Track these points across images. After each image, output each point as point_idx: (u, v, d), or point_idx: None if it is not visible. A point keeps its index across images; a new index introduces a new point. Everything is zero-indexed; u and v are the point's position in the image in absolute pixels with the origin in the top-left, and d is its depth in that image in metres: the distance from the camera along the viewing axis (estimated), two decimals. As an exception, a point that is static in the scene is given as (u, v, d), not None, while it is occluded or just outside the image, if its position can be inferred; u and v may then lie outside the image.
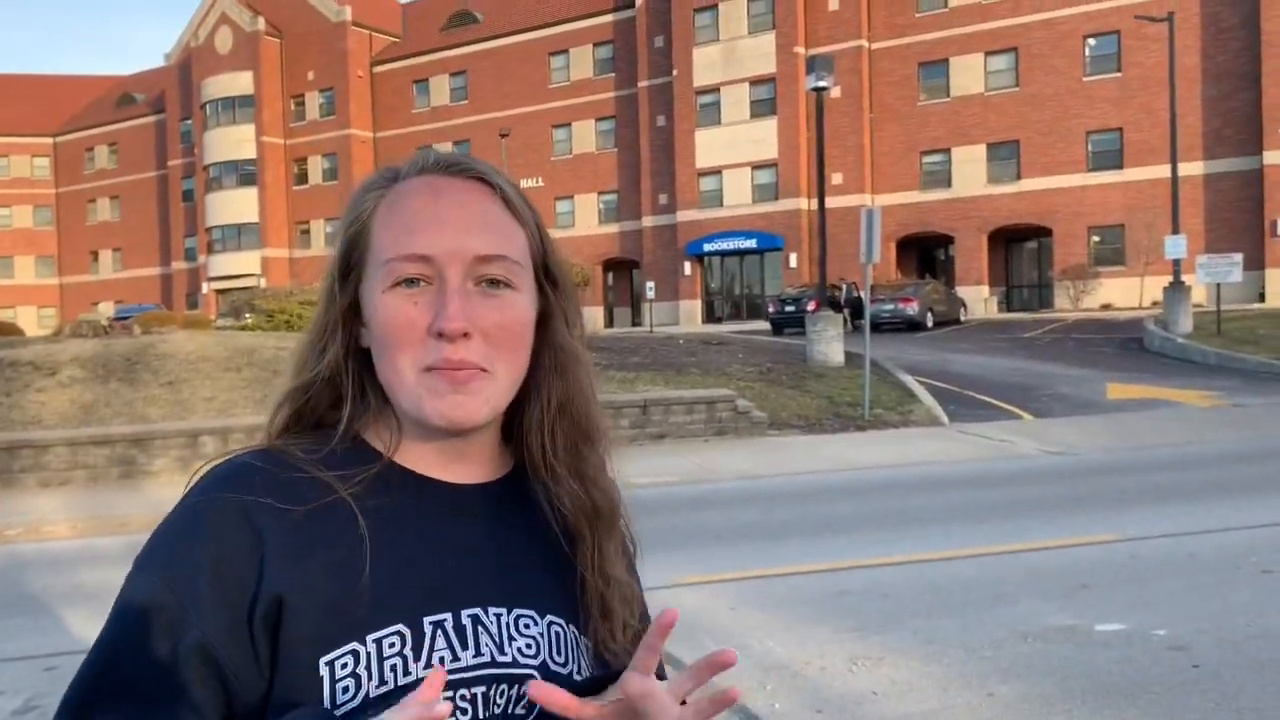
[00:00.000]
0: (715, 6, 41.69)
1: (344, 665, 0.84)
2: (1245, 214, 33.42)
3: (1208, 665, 4.39)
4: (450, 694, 0.85)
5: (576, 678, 0.92)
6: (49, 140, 65.14)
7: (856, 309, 28.14)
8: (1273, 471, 9.24)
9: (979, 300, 37.09)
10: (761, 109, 41.23)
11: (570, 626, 0.95)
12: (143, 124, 62.01)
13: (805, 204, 39.72)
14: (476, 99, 49.96)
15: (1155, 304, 29.47)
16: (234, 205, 54.78)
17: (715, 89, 42.04)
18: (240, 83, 54.52)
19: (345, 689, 0.83)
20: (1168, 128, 24.76)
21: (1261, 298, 31.84)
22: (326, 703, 0.83)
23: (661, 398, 12.73)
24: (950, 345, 23.73)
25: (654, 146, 44.24)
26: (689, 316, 42.17)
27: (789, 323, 28.01)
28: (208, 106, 55.50)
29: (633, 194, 45.51)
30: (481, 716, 0.86)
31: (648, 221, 44.59)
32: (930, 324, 29.11)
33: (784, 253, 40.57)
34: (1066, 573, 5.96)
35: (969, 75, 38.37)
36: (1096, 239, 36.22)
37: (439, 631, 0.87)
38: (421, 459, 0.95)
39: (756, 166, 41.36)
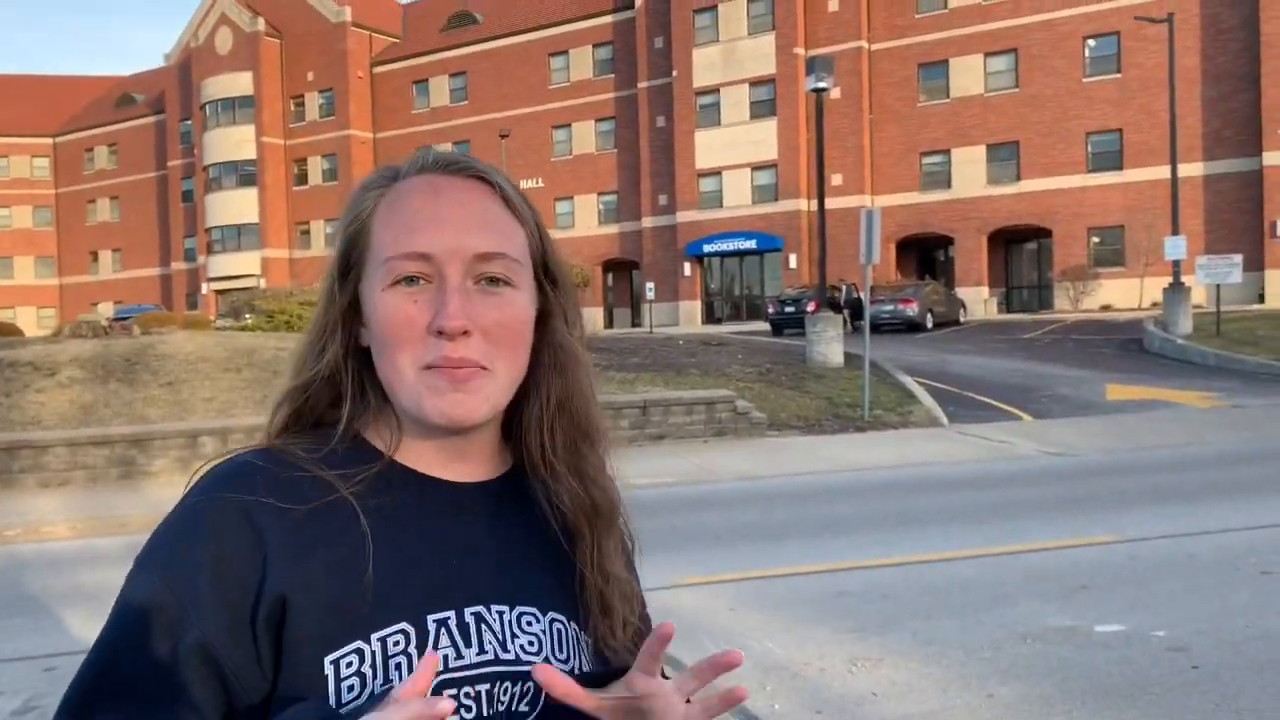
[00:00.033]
0: (715, 7, 41.71)
1: (349, 664, 0.84)
2: (1245, 215, 33.43)
3: (1207, 666, 4.39)
4: (454, 692, 0.85)
5: (579, 673, 0.92)
6: (49, 141, 65.15)
7: (856, 310, 28.14)
8: (1272, 473, 9.24)
9: (979, 301, 37.10)
10: (761, 110, 41.23)
11: (571, 623, 0.96)
12: (142, 124, 62.02)
13: (805, 205, 39.73)
14: (476, 100, 49.98)
15: (1155, 305, 29.48)
16: (234, 206, 54.78)
17: (715, 90, 42.05)
18: (240, 83, 54.53)
19: (351, 687, 0.84)
20: (1167, 129, 24.78)
21: (1261, 299, 31.85)
22: (332, 701, 0.83)
23: (661, 398, 12.73)
24: (950, 346, 23.74)
25: (654, 147, 44.25)
26: (689, 317, 42.17)
27: (789, 323, 28.01)
28: (207, 107, 55.50)
29: (632, 195, 45.52)
30: (486, 714, 0.87)
31: (647, 222, 44.60)
32: (930, 325, 29.11)
33: (784, 254, 40.58)
34: (1066, 574, 5.96)
35: (969, 76, 38.38)
36: (1096, 240, 36.23)
37: (443, 630, 0.87)
38: (422, 458, 0.95)
39: (756, 167, 41.37)
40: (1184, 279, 22.83)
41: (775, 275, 40.63)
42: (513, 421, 1.00)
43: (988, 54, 38.00)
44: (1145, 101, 34.75)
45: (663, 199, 44.10)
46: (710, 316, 42.69)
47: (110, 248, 63.32)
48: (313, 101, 54.39)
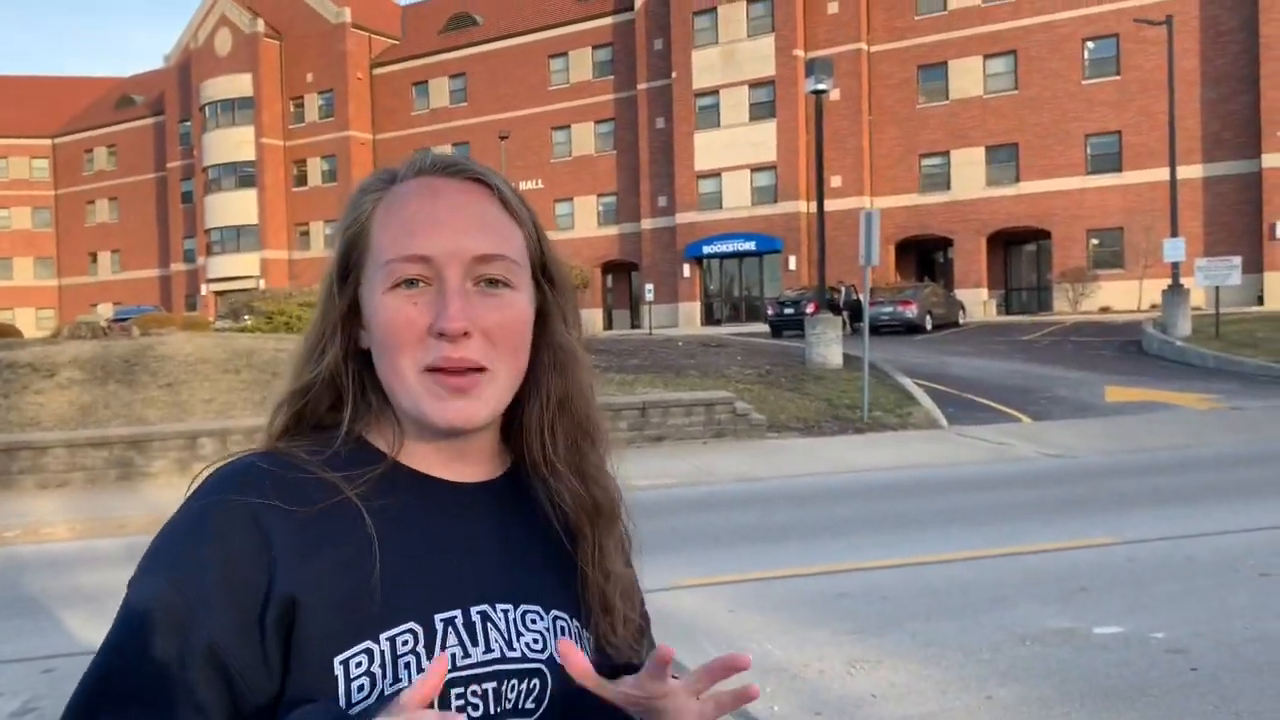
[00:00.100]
0: (714, 9, 41.73)
1: (358, 664, 0.84)
2: (1244, 217, 33.45)
3: (1206, 668, 4.39)
4: (462, 690, 0.86)
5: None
6: (48, 142, 65.14)
7: (855, 311, 28.15)
8: (1271, 475, 9.24)
9: (978, 303, 37.10)
10: (761, 111, 41.25)
11: (574, 621, 0.97)
12: (142, 125, 62.02)
13: (804, 206, 39.75)
14: (476, 101, 49.99)
15: (1154, 307, 29.50)
16: (233, 207, 54.78)
17: (714, 91, 42.07)
18: (239, 84, 54.53)
19: (360, 688, 0.84)
20: (1166, 131, 24.80)
21: (1260, 300, 31.86)
22: (342, 702, 0.83)
23: (660, 400, 12.73)
24: (949, 348, 23.74)
25: (653, 149, 44.26)
26: (688, 319, 42.18)
27: (788, 325, 28.01)
28: (207, 108, 55.51)
29: (632, 196, 45.53)
30: (493, 712, 0.88)
31: (647, 224, 44.61)
32: (929, 326, 29.12)
33: (783, 255, 40.60)
34: (1065, 575, 5.97)
35: (968, 78, 38.41)
36: (1095, 242, 36.25)
37: (450, 629, 0.88)
38: (424, 459, 0.96)
39: (755, 169, 41.38)
40: (1183, 281, 22.84)
41: (774, 277, 40.64)
42: (512, 421, 1.01)
43: (987, 56, 38.03)
44: (1144, 103, 34.78)
45: (662, 200, 44.11)
46: (709, 318, 42.70)
47: (109, 249, 63.31)
48: (312, 103, 54.39)
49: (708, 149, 42.17)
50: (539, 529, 0.99)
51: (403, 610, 0.87)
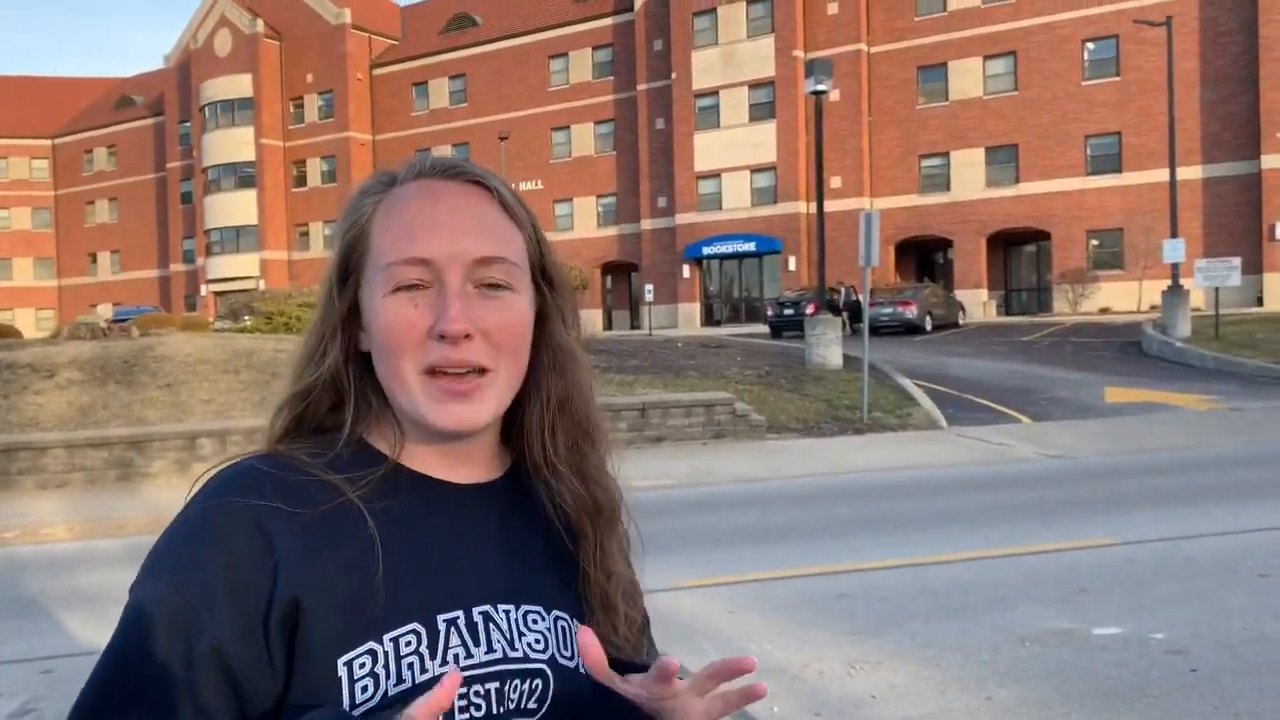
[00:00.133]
0: (714, 10, 41.74)
1: (362, 665, 0.85)
2: (1243, 218, 33.46)
3: (1205, 669, 4.39)
4: (465, 690, 0.87)
5: (583, 670, 0.94)
6: (48, 142, 65.15)
7: (855, 312, 28.15)
8: (1270, 476, 9.24)
9: (978, 304, 37.11)
10: (760, 112, 41.26)
11: (575, 621, 0.97)
12: (141, 126, 62.03)
13: (804, 207, 39.75)
14: (475, 102, 49.99)
15: (1154, 308, 29.50)
16: (233, 207, 54.79)
17: (714, 92, 42.08)
18: (239, 85, 54.54)
19: (364, 688, 0.84)
20: (1166, 132, 24.81)
21: (1260, 302, 31.87)
22: (346, 703, 0.84)
23: (660, 401, 12.73)
24: (949, 349, 23.75)
25: (653, 149, 44.27)
26: (688, 320, 42.18)
27: (788, 326, 28.01)
28: (207, 109, 55.52)
29: (631, 197, 45.53)
30: (495, 712, 0.88)
31: (646, 224, 44.61)
32: (929, 327, 29.13)
33: (783, 256, 40.60)
34: (1064, 576, 5.97)
35: (968, 79, 38.42)
36: (1095, 243, 36.25)
37: (452, 629, 0.89)
38: (425, 460, 0.96)
39: (755, 170, 41.39)
40: (1183, 282, 22.84)
41: (774, 278, 40.65)
42: (511, 422, 1.01)
43: (987, 57, 38.04)
44: (1144, 104, 34.79)
45: (662, 201, 44.12)
46: (709, 319, 42.70)
47: (109, 249, 63.31)
48: (312, 103, 54.40)
49: (707, 150, 42.18)
50: (540, 529, 1.00)
51: (405, 611, 0.87)
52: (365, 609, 0.86)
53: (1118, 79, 35.69)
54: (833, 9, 40.05)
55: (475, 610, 0.91)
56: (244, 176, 54.67)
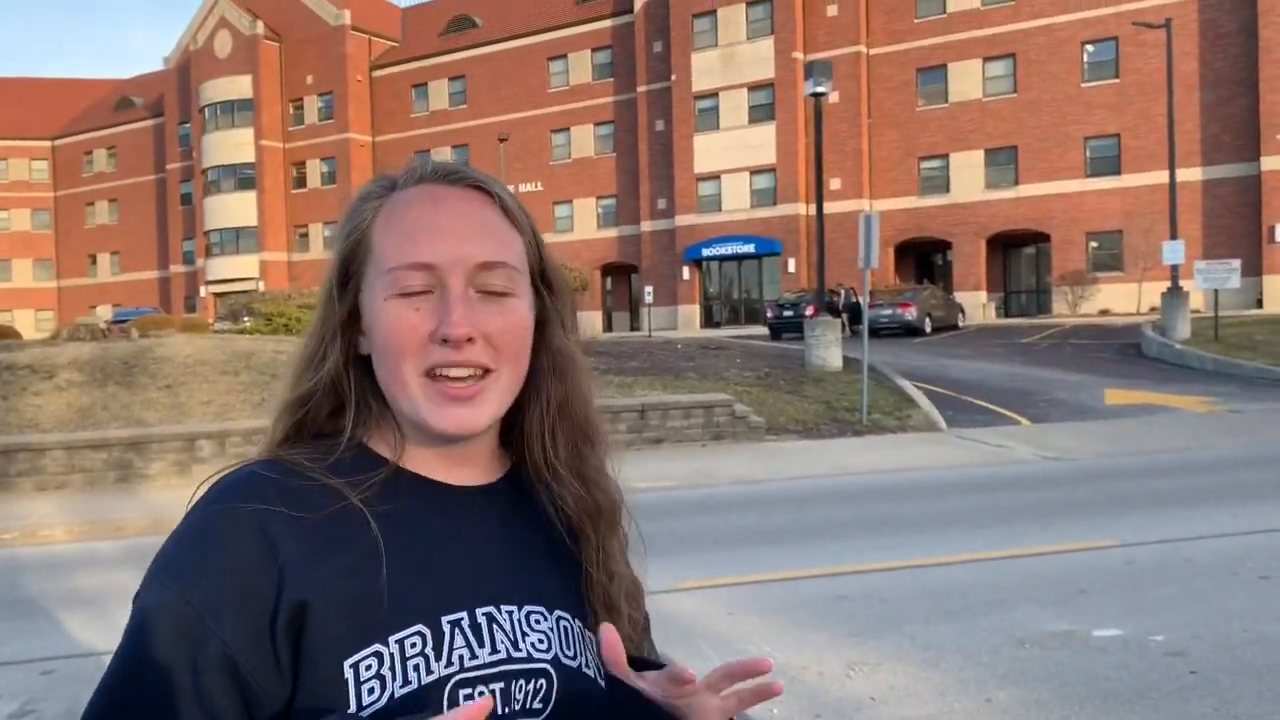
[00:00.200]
0: (714, 12, 41.76)
1: (368, 667, 0.85)
2: (1243, 220, 33.47)
3: (1205, 671, 4.39)
4: (470, 691, 0.87)
5: (586, 670, 0.95)
6: (47, 143, 65.15)
7: (855, 314, 28.16)
8: (1270, 477, 9.25)
9: (977, 305, 37.13)
10: (760, 114, 41.28)
11: (576, 621, 0.98)
12: (141, 127, 62.03)
13: (804, 209, 39.77)
14: (475, 104, 50.01)
15: (1153, 310, 29.52)
16: (232, 209, 54.79)
17: (714, 94, 42.09)
18: (239, 86, 54.56)
19: (371, 690, 0.85)
20: (1165, 133, 24.83)
21: (1259, 303, 31.88)
22: (352, 705, 0.84)
23: (659, 402, 12.73)
24: (948, 350, 23.75)
25: (652, 151, 44.29)
26: (687, 321, 42.19)
27: (787, 328, 28.03)
28: (206, 110, 55.53)
29: (631, 199, 45.54)
30: (501, 712, 0.89)
31: (646, 226, 44.62)
32: (928, 329, 29.14)
33: (782, 258, 40.61)
34: (1064, 578, 5.97)
35: (967, 81, 38.43)
36: (1094, 245, 36.27)
37: (457, 630, 0.89)
38: (426, 463, 0.97)
39: (755, 171, 41.40)
40: (1182, 284, 22.85)
41: (774, 279, 40.66)
42: (511, 424, 1.02)
43: (986, 59, 38.06)
44: (1143, 106, 34.81)
45: (661, 203, 44.13)
46: (709, 320, 42.71)
47: (109, 250, 63.31)
48: (312, 105, 54.41)
49: (707, 151, 42.19)
50: (541, 530, 1.01)
51: (410, 613, 0.88)
52: (370, 612, 0.86)
53: (1117, 81, 35.71)
54: (832, 11, 40.08)
55: (479, 611, 0.91)
56: (244, 178, 54.68)
